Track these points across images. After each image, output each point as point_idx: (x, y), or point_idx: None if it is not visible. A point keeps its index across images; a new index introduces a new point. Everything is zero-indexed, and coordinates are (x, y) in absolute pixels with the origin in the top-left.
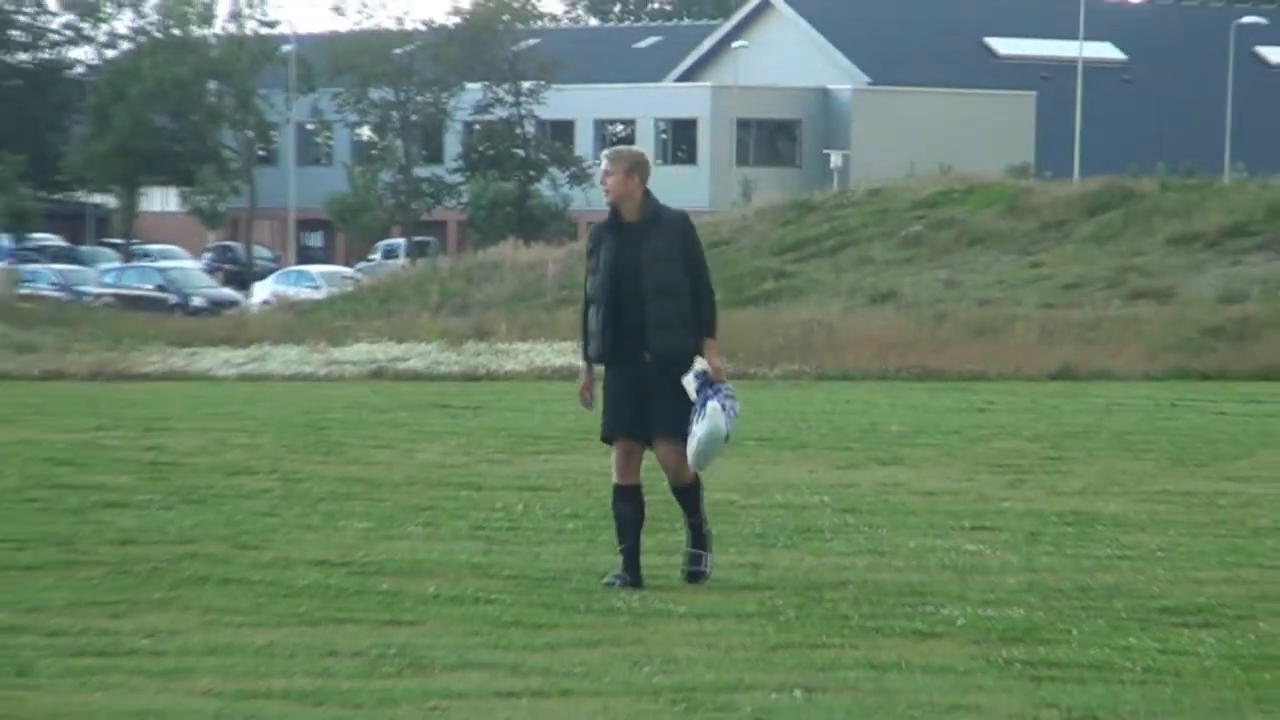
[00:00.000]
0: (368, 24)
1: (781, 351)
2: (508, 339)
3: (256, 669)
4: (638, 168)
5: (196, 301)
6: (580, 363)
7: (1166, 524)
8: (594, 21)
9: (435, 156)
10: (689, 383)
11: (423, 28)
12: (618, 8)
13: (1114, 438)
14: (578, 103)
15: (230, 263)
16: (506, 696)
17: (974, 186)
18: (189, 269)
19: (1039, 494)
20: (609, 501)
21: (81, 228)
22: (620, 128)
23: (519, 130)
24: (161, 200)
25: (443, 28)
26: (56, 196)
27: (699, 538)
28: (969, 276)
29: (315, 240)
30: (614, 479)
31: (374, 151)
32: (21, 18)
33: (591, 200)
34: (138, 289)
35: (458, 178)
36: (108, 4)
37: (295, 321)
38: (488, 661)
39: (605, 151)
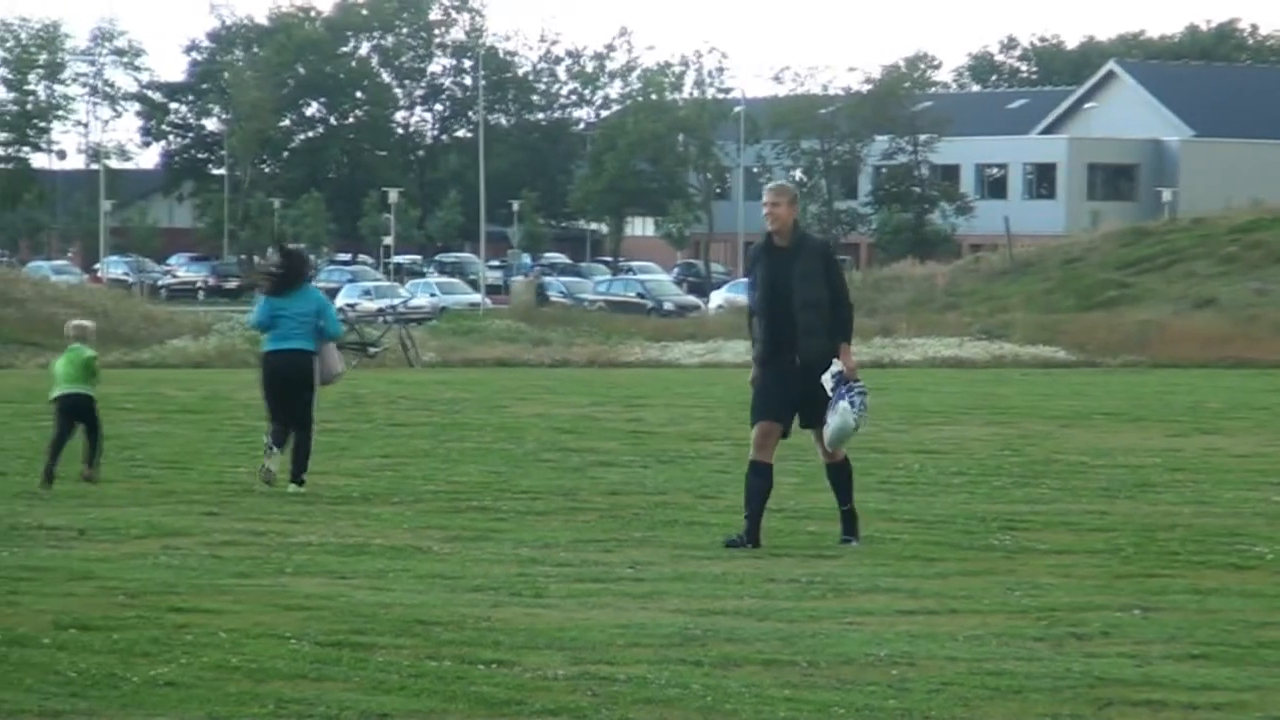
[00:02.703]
0: (800, 90)
1: (1122, 345)
2: (907, 335)
3: (713, 592)
4: (795, 200)
5: (667, 306)
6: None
7: None
8: (976, 87)
9: (851, 193)
10: (827, 380)
11: (842, 92)
12: (994, 76)
13: None
14: (962, 151)
15: (693, 276)
16: (906, 614)
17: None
18: (662, 280)
19: None
20: (986, 461)
21: (581, 248)
22: (995, 170)
23: (916, 172)
24: (641, 227)
25: (858, 93)
26: (563, 224)
27: (850, 524)
28: (1276, 286)
29: None
30: (751, 455)
31: (804, 189)
32: (539, 86)
33: (974, 226)
34: (623, 296)
35: (868, 210)
36: (603, 75)
37: (743, 322)
38: (891, 587)
39: (768, 185)
